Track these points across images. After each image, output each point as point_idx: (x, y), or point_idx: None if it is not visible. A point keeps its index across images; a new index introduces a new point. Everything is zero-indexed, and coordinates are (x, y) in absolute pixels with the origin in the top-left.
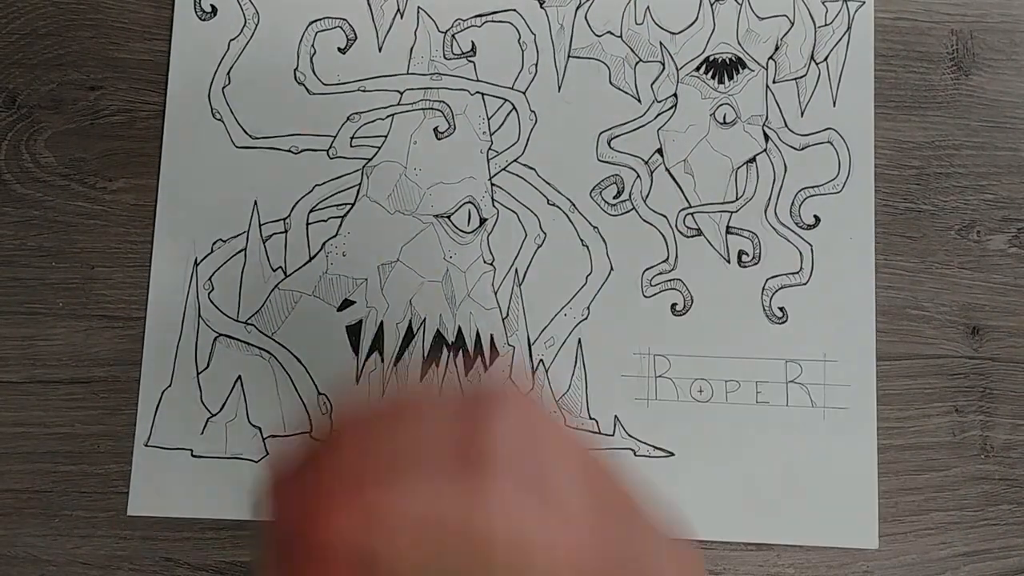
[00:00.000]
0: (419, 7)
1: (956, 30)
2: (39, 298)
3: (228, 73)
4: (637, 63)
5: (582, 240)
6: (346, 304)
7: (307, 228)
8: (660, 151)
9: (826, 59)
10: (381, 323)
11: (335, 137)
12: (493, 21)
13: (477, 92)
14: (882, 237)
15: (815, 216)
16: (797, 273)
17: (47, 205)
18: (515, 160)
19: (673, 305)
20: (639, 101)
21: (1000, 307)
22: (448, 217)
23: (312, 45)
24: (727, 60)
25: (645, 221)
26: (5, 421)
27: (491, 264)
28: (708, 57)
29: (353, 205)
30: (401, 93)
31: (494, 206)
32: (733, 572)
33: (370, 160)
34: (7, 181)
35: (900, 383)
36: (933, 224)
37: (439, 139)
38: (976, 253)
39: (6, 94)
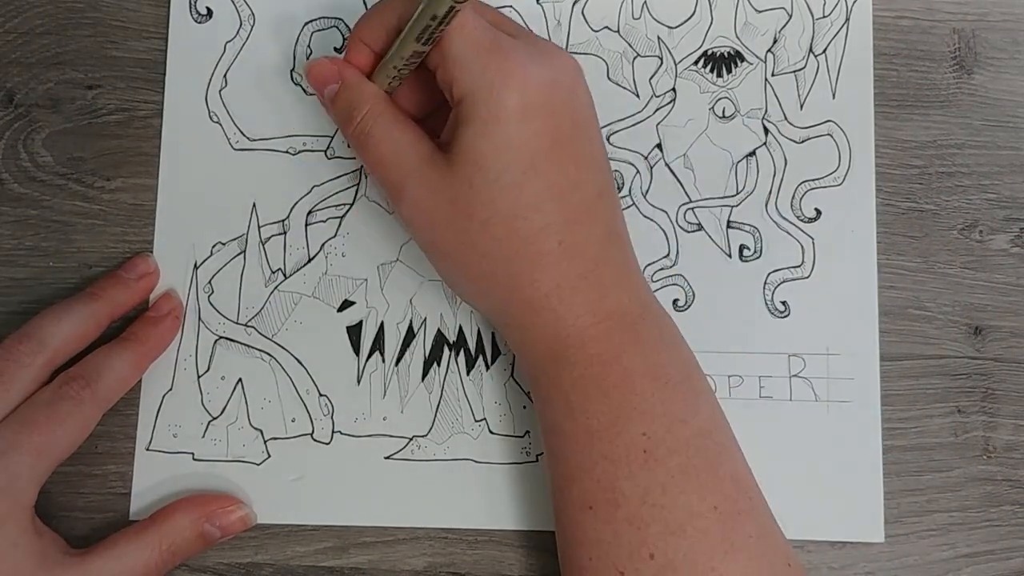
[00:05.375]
0: None
1: (958, 29)
2: (36, 298)
3: (225, 76)
4: (635, 58)
5: None
6: (346, 305)
7: (306, 229)
8: (659, 146)
9: (825, 51)
10: (382, 323)
11: (332, 137)
12: None
13: None
14: (884, 236)
15: (816, 209)
16: (799, 267)
17: (45, 204)
18: None
19: (675, 300)
20: (637, 96)
21: (1003, 307)
22: None
23: (308, 46)
24: (725, 54)
25: (645, 216)
26: None
27: None
28: (706, 51)
29: (352, 205)
30: None
31: None
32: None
33: None
34: (4, 180)
35: (902, 383)
36: (935, 224)
37: None
38: (978, 253)
39: (3, 93)
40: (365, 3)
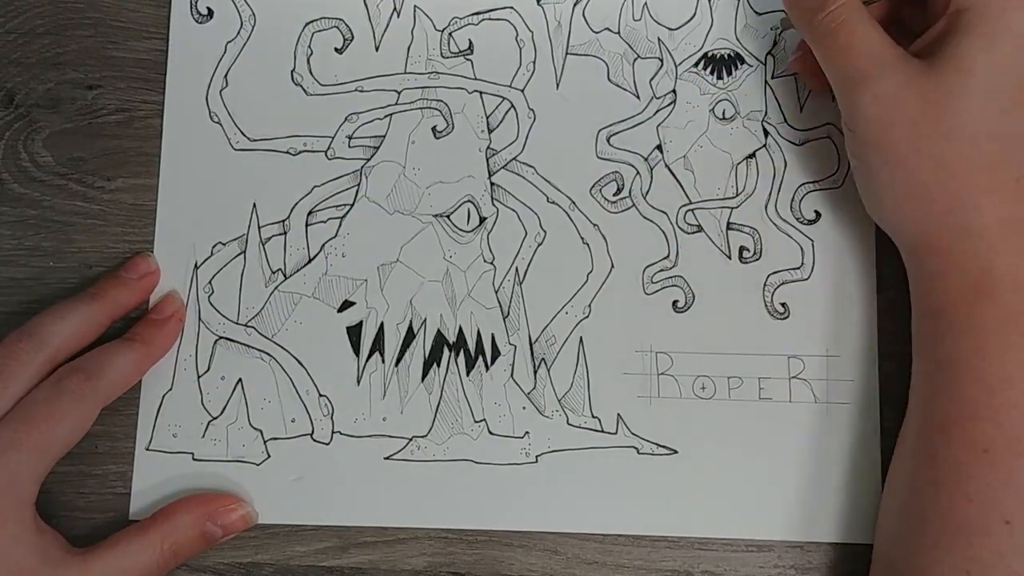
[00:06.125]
0: (416, 6)
1: None
2: (36, 298)
3: (225, 76)
4: (635, 60)
5: (582, 238)
6: (346, 305)
7: (306, 230)
8: (660, 147)
9: None
10: (381, 324)
11: (333, 138)
12: (490, 19)
13: (475, 90)
14: (883, 238)
15: (816, 211)
16: (798, 268)
17: (45, 205)
18: (514, 158)
19: (675, 302)
20: (638, 98)
21: None
22: (448, 216)
23: (309, 46)
24: (726, 56)
25: (645, 218)
26: None
27: (491, 263)
28: (707, 53)
29: (352, 206)
30: (399, 92)
31: (493, 205)
32: (734, 573)
33: (368, 160)
34: (4, 181)
35: (901, 385)
36: None
37: (437, 138)
38: None
39: (4, 93)
40: (365, 3)
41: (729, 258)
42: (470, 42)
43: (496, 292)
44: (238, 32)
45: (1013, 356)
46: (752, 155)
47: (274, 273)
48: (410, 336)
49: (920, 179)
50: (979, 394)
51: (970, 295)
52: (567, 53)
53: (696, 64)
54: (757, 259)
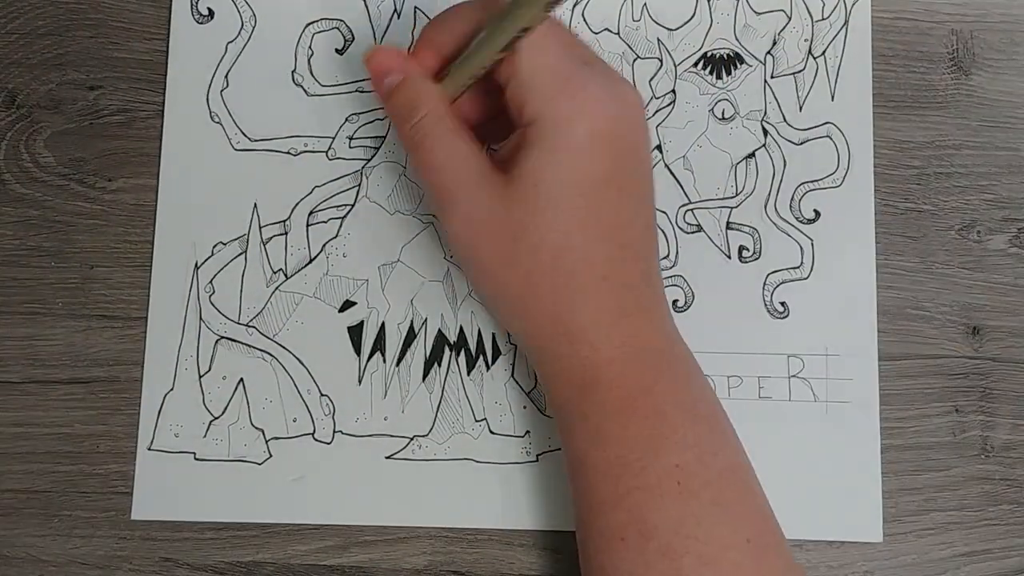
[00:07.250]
0: (416, 7)
1: (956, 30)
2: (38, 298)
3: (226, 76)
4: (635, 60)
5: None
6: (347, 305)
7: (307, 230)
8: (659, 147)
9: (824, 53)
10: (383, 324)
11: (334, 138)
12: None
13: None
14: (882, 237)
15: (815, 210)
16: (798, 267)
17: (46, 205)
18: None
19: (675, 301)
20: None
21: (1000, 307)
22: None
23: (309, 47)
24: (725, 56)
25: None
26: (4, 421)
27: None
28: (706, 53)
29: (353, 206)
30: None
31: None
32: None
33: (369, 161)
34: (6, 181)
35: (900, 383)
36: (933, 224)
37: None
38: (976, 253)
39: (5, 94)
40: (366, 4)
41: (729, 257)
42: None
43: None
44: (238, 32)
45: (628, 437)
46: (751, 155)
47: (275, 273)
48: (411, 336)
49: (515, 292)
50: (603, 484)
51: (579, 392)
52: None
53: (695, 64)
54: (757, 258)
